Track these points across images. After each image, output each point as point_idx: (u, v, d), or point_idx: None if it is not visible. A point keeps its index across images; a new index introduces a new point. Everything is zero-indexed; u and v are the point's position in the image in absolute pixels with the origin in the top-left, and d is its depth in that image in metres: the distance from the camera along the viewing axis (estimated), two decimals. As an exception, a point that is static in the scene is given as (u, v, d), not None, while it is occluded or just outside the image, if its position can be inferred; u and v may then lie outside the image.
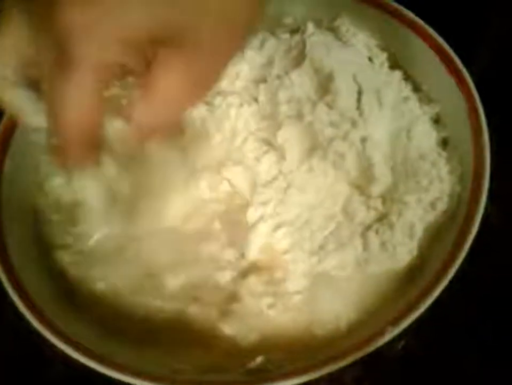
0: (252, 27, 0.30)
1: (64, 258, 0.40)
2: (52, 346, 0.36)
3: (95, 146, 0.31)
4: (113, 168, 0.36)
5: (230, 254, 0.39)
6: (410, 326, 0.34)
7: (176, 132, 0.37)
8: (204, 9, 0.27)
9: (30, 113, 0.32)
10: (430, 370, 0.39)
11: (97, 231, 0.39)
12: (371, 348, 0.33)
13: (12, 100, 0.32)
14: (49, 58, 0.28)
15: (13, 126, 0.42)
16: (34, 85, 0.31)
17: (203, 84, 0.29)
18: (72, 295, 0.39)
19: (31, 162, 0.43)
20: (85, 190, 0.37)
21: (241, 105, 0.41)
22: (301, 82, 0.41)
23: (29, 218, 0.42)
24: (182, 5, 0.27)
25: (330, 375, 0.37)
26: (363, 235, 0.38)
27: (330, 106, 0.40)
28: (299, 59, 0.43)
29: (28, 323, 0.36)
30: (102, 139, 0.31)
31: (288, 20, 0.47)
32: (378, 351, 0.34)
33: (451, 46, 0.42)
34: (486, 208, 0.37)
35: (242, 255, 0.39)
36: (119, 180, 0.37)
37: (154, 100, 0.28)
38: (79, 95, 0.28)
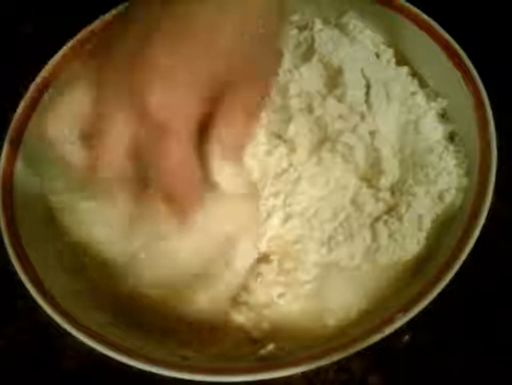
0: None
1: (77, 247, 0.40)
2: (64, 336, 0.36)
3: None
4: None
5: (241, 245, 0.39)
6: (417, 318, 0.35)
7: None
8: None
9: (77, 164, 0.36)
10: (436, 362, 0.39)
11: None
12: (380, 335, 0.34)
13: (64, 154, 0.36)
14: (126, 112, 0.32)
15: (23, 125, 0.43)
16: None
17: (257, 108, 0.36)
18: (84, 282, 0.40)
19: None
20: None
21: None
22: (310, 76, 0.42)
23: (41, 207, 0.42)
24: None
25: (339, 364, 0.37)
26: (372, 226, 0.39)
27: (339, 100, 0.41)
28: (308, 54, 0.43)
29: (40, 313, 0.37)
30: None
31: (295, 17, 0.48)
32: (386, 342, 0.34)
33: (457, 41, 0.42)
34: (491, 202, 0.37)
35: (254, 246, 0.39)
36: None
37: (233, 125, 0.34)
38: (182, 149, 0.33)
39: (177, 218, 0.35)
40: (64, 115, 0.35)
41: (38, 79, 0.44)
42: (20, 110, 0.44)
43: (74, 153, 0.35)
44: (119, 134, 0.33)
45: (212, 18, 0.33)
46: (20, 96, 0.44)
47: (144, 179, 0.35)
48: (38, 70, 0.45)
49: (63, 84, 0.35)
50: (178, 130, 0.32)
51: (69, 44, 0.46)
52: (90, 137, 0.34)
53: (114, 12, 0.45)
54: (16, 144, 0.43)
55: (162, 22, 0.32)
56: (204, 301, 0.37)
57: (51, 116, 0.35)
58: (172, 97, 0.32)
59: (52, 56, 0.45)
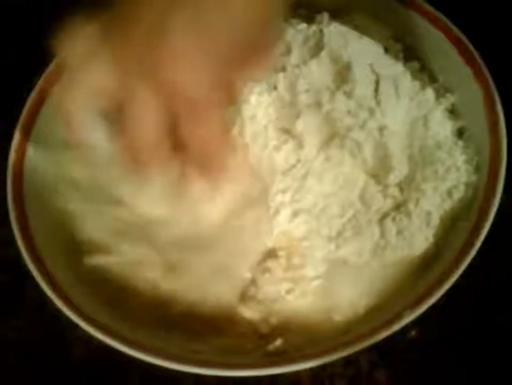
0: None
1: (86, 236, 0.41)
2: (74, 329, 0.36)
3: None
4: None
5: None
6: (425, 313, 0.35)
7: None
8: None
9: (97, 136, 0.36)
10: (442, 358, 0.39)
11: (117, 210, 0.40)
12: (387, 332, 0.34)
13: (84, 125, 0.35)
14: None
15: (35, 113, 0.43)
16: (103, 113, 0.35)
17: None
18: (94, 275, 0.40)
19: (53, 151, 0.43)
20: None
21: (261, 92, 0.41)
22: (319, 71, 0.42)
23: (52, 198, 0.42)
24: None
25: (346, 359, 0.37)
26: (380, 223, 0.39)
27: (348, 95, 0.40)
28: (317, 48, 0.43)
29: (49, 305, 0.37)
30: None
31: (303, 10, 0.47)
32: (393, 337, 0.35)
33: (467, 37, 0.42)
34: (500, 199, 0.37)
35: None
36: None
37: None
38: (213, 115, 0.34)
39: (208, 182, 0.37)
40: (83, 91, 0.34)
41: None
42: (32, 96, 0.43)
43: (98, 132, 0.35)
44: (152, 115, 0.33)
45: None
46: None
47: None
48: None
49: (77, 57, 0.34)
50: (207, 100, 0.33)
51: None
52: (113, 115, 0.34)
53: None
54: (27, 131, 0.43)
55: None
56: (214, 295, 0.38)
57: (70, 93, 0.35)
58: (198, 72, 0.32)
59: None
